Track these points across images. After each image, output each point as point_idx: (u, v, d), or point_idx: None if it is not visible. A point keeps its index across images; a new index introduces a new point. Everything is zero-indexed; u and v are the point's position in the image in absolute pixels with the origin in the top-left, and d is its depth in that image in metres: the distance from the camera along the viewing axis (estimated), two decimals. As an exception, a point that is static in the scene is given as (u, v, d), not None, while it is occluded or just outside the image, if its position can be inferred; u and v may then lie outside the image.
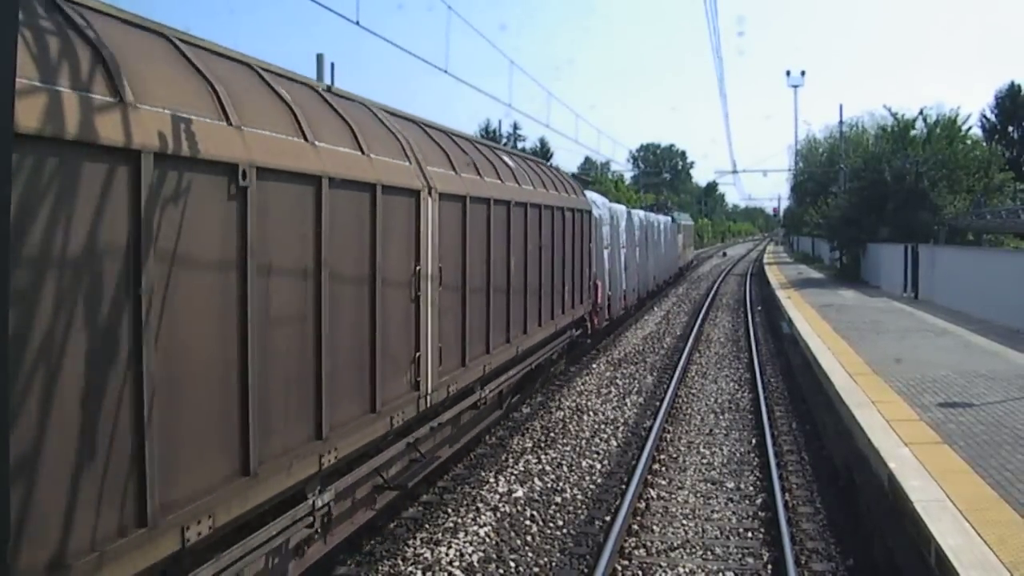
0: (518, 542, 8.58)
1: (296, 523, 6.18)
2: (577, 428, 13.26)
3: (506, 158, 13.33)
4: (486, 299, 10.72)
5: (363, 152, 7.28)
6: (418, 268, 8.38)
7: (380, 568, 7.89)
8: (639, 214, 29.67)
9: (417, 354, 8.40)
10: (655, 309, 31.74)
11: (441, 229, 8.97)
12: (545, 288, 13.95)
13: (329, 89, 7.73)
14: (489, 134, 62.44)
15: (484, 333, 10.70)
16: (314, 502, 6.41)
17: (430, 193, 8.69)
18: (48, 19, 4.27)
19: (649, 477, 10.62)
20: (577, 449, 12.03)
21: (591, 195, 20.68)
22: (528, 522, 9.13)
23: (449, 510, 9.41)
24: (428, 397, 8.66)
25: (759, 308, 31.85)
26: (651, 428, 12.66)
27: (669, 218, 42.56)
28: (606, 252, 21.15)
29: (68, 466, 4.02)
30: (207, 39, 5.91)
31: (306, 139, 6.27)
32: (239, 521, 5.39)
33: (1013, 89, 57.87)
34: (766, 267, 52.05)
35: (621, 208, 25.63)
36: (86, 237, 4.13)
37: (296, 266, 6.08)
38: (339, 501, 6.98)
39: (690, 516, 9.33)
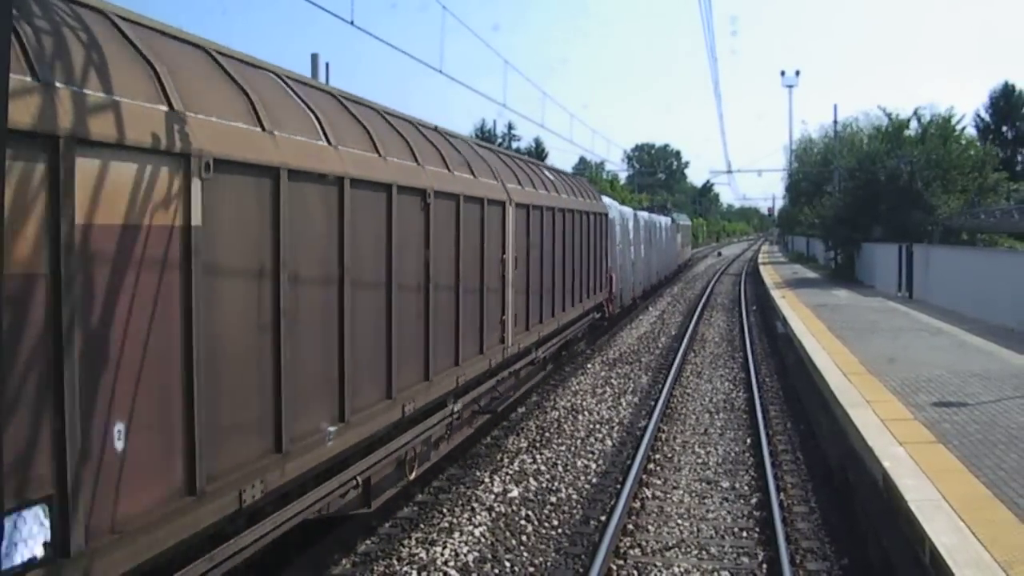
0: (513, 542, 8.57)
1: (441, 422, 9.30)
2: (572, 428, 13.27)
3: (547, 172, 16.82)
4: (539, 281, 13.83)
5: (474, 176, 10.51)
6: (504, 256, 11.56)
7: (375, 568, 7.88)
8: (643, 215, 32.52)
9: (503, 317, 11.60)
10: (650, 309, 31.77)
11: (516, 229, 12.13)
12: (576, 277, 17.09)
13: (436, 129, 10.57)
14: (484, 134, 62.37)
15: (539, 307, 13.80)
16: (452, 408, 9.62)
17: (510, 203, 11.83)
18: None
19: (644, 477, 10.63)
20: (572, 449, 12.03)
21: (605, 199, 23.52)
22: (523, 522, 9.13)
23: (444, 510, 9.41)
24: (508, 349, 11.83)
25: (754, 308, 31.89)
26: (646, 428, 12.66)
27: (669, 219, 45.12)
28: (618, 249, 23.66)
29: (365, 366, 7.26)
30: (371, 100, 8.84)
31: (449, 170, 9.56)
32: (421, 409, 8.55)
33: (1007, 89, 58.12)
34: (761, 267, 52.11)
35: (629, 210, 28.75)
36: (373, 235, 7.44)
37: (448, 253, 9.38)
38: (460, 414, 10.03)
39: (685, 516, 9.34)
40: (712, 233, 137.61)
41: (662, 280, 39.51)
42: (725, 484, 10.48)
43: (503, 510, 9.47)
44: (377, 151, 7.63)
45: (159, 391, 4.73)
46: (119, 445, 4.44)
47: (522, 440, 12.48)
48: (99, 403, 4.30)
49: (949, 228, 33.05)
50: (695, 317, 28.02)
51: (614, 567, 7.92)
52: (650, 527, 9.03)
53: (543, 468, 11.08)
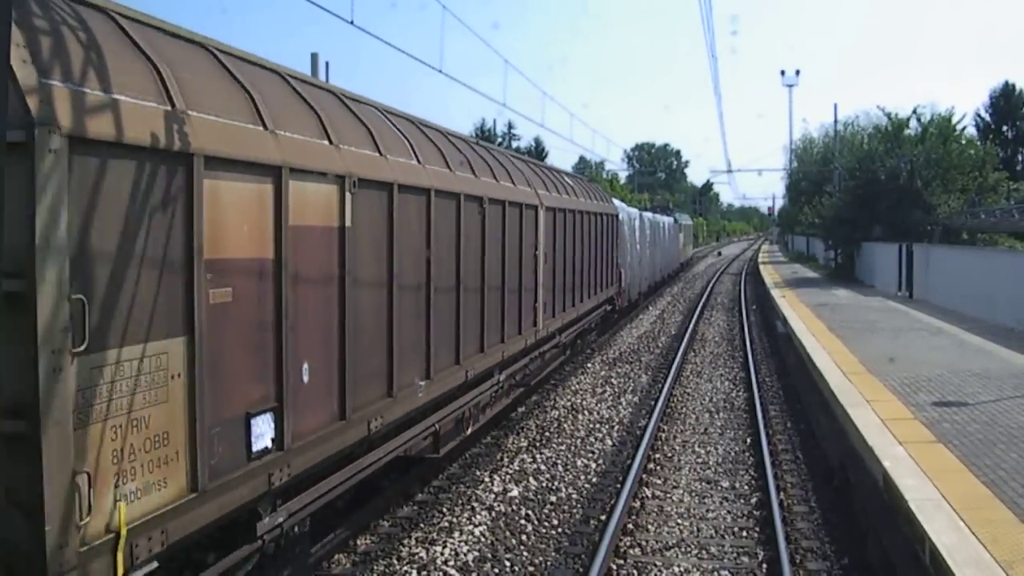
0: (513, 541, 8.57)
1: (489, 389, 11.23)
2: (572, 427, 13.26)
3: (567, 178, 19.25)
4: (563, 275, 15.80)
5: (514, 184, 12.50)
6: (536, 252, 13.46)
7: (375, 568, 7.87)
8: (648, 216, 34.25)
9: (536, 304, 13.42)
10: (650, 308, 31.77)
11: (545, 229, 14.11)
12: (591, 272, 18.96)
13: (480, 143, 12.89)
14: (484, 133, 62.28)
15: (562, 297, 15.77)
16: (498, 378, 11.56)
17: (541, 207, 13.86)
18: None
19: (644, 476, 10.62)
20: (572, 448, 12.03)
21: (615, 201, 25.79)
22: (523, 521, 9.13)
23: (444, 509, 9.40)
24: (539, 332, 13.77)
25: (754, 307, 31.89)
26: (646, 427, 12.66)
27: (672, 219, 47.42)
28: (627, 248, 25.58)
29: (442, 336, 9.15)
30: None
31: (496, 180, 11.54)
32: (478, 375, 10.49)
33: (1007, 88, 58.09)
34: (761, 266, 52.08)
35: (635, 211, 30.78)
36: (447, 234, 9.32)
37: (497, 248, 11.21)
38: (503, 384, 11.93)
39: (685, 515, 9.33)
40: (712, 233, 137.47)
41: (666, 277, 41.66)
42: (725, 484, 10.48)
43: (503, 509, 9.47)
44: (448, 167, 9.58)
45: (326, 342, 6.60)
46: (305, 379, 6.25)
47: (522, 440, 12.47)
48: (295, 348, 6.07)
49: (949, 227, 33.01)
50: (695, 316, 28.02)
51: (614, 566, 7.92)
52: (650, 526, 9.03)
53: (543, 467, 11.08)
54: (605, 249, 21.08)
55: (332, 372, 6.66)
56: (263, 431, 5.71)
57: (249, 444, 5.54)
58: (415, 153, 8.59)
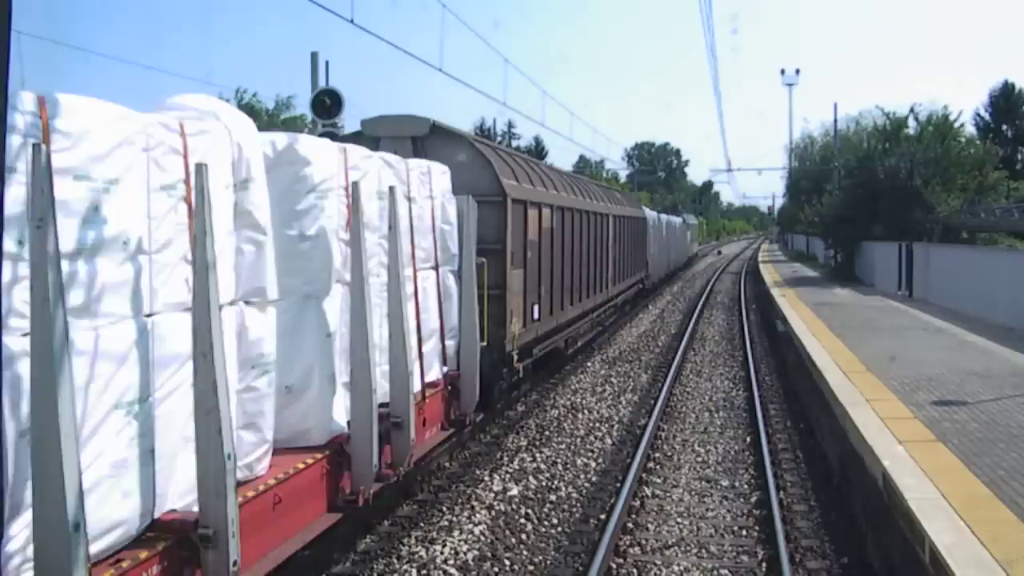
0: (513, 540, 8.57)
1: (587, 320, 19.43)
2: (572, 426, 13.26)
3: (617, 194, 29.29)
4: (618, 258, 23.47)
5: (596, 202, 20.47)
6: (608, 241, 21.23)
7: (375, 567, 7.88)
8: (665, 217, 42.65)
9: (607, 275, 21.25)
10: (650, 308, 31.78)
11: (611, 230, 21.98)
12: (631, 259, 26.55)
13: (575, 175, 26.76)
14: (484, 132, 62.29)
15: (617, 272, 23.32)
16: (590, 316, 19.63)
17: (609, 215, 21.66)
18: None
19: (644, 475, 10.62)
20: (572, 447, 12.03)
21: (643, 207, 35.19)
22: (523, 520, 9.13)
23: (444, 508, 9.40)
24: (608, 293, 21.63)
25: (754, 307, 31.88)
26: (646, 426, 12.66)
27: (681, 218, 57.02)
28: (651, 242, 32.29)
29: (575, 288, 17.58)
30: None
31: (593, 200, 20.28)
32: (584, 312, 18.60)
33: (1007, 88, 58.11)
34: (761, 265, 52.02)
35: (655, 214, 38.42)
36: (578, 234, 17.98)
37: (593, 241, 19.48)
38: (592, 321, 20.22)
39: (685, 514, 9.33)
40: (712, 232, 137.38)
41: (677, 267, 49.63)
42: (725, 483, 10.48)
43: (503, 508, 9.47)
44: (574, 194, 17.59)
45: (546, 280, 14.32)
46: (542, 294, 14.03)
47: (522, 439, 12.47)
48: (540, 281, 14.04)
49: (949, 227, 32.94)
50: (695, 316, 28.02)
51: (614, 566, 7.92)
52: (650, 525, 9.03)
53: (543, 466, 11.08)
54: (639, 243, 29.09)
55: (549, 294, 14.31)
56: (534, 312, 13.19)
57: (532, 315, 13.10)
58: (566, 190, 16.73)
